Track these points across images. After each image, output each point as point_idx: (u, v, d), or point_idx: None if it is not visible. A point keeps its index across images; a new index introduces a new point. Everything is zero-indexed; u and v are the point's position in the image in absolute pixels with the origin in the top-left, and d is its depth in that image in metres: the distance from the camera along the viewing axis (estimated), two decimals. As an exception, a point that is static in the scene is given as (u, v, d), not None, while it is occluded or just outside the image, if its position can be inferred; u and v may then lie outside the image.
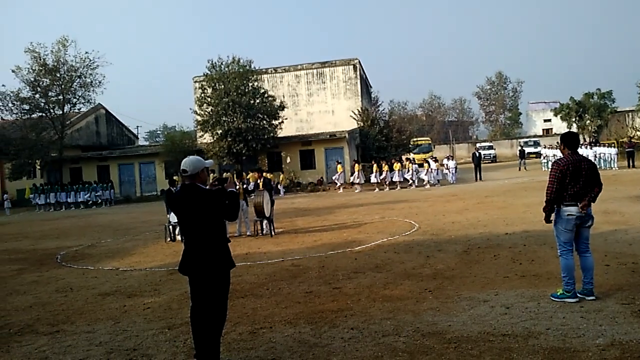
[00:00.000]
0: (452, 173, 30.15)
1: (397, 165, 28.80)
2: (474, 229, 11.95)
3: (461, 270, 7.93)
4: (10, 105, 36.25)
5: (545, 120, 71.83)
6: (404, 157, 31.71)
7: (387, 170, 28.62)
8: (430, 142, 49.98)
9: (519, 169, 35.66)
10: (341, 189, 30.40)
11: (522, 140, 56.10)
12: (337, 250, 10.56)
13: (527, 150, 43.95)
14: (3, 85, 46.24)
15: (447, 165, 31.09)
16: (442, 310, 5.96)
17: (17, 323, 6.88)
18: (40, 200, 33.49)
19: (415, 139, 44.80)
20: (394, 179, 28.67)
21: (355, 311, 6.18)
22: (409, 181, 28.83)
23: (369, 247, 10.68)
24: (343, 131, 35.04)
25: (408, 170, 28.72)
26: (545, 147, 39.10)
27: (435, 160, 30.08)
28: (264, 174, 15.83)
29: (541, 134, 65.58)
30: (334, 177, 31.07)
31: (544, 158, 35.13)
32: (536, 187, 19.63)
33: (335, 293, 7.13)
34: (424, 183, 28.61)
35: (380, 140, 35.32)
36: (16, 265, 11.81)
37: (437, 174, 29.05)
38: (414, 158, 31.96)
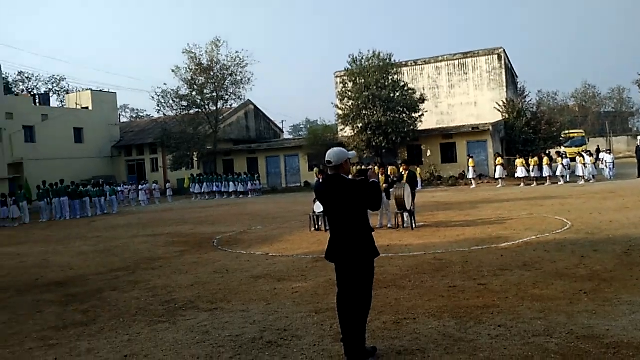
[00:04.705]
0: (610, 168, 27.73)
1: (546, 160, 27.18)
2: (636, 228, 10.94)
3: (621, 273, 7.33)
4: (171, 102, 39.96)
5: None
6: (553, 151, 29.81)
7: (535, 165, 27.14)
8: (583, 134, 46.62)
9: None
10: (474, 183, 29.39)
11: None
12: (482, 246, 10.26)
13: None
14: (165, 84, 50.52)
15: (603, 159, 28.69)
16: (599, 314, 5.58)
17: (181, 299, 7.60)
18: (197, 189, 36.30)
19: (566, 132, 41.90)
20: (543, 174, 27.10)
21: (502, 309, 6.00)
22: (558, 176, 27.06)
23: (515, 244, 10.24)
24: (486, 124, 33.68)
25: (558, 165, 26.95)
26: None
27: (590, 154, 27.91)
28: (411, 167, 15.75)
29: None
30: (469, 174, 30.01)
31: None
32: None
33: (480, 289, 6.97)
34: (580, 179, 26.70)
35: (527, 133, 33.51)
36: (178, 248, 13.03)
37: (592, 168, 26.95)
38: (565, 152, 29.90)
